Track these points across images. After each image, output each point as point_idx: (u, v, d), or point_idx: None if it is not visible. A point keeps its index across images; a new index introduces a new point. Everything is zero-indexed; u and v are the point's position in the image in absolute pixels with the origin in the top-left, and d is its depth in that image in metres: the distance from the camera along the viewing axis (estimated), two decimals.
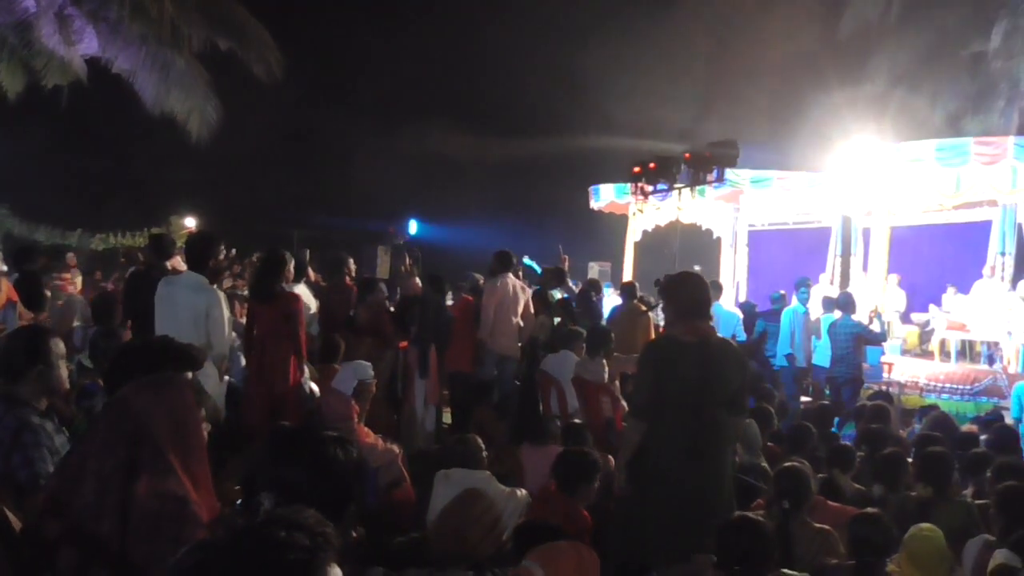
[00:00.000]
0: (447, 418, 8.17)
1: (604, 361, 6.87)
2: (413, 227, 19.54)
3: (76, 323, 8.47)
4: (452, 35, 22.81)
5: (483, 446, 4.87)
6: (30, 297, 7.88)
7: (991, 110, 18.91)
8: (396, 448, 5.49)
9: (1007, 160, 10.92)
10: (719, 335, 4.16)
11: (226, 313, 5.33)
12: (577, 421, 6.27)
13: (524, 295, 8.06)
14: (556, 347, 7.47)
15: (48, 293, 9.35)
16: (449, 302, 8.88)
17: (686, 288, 3.97)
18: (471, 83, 22.37)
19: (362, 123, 23.42)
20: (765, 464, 5.37)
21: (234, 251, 13.93)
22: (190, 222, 24.50)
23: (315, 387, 6.20)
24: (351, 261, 8.49)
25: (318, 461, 2.16)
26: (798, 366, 9.72)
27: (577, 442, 5.53)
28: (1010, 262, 13.71)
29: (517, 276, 8.49)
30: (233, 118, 16.77)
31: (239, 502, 2.20)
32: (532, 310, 8.20)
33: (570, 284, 9.50)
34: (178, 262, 7.35)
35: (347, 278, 8.17)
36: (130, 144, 22.99)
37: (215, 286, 5.37)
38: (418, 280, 9.02)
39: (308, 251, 9.29)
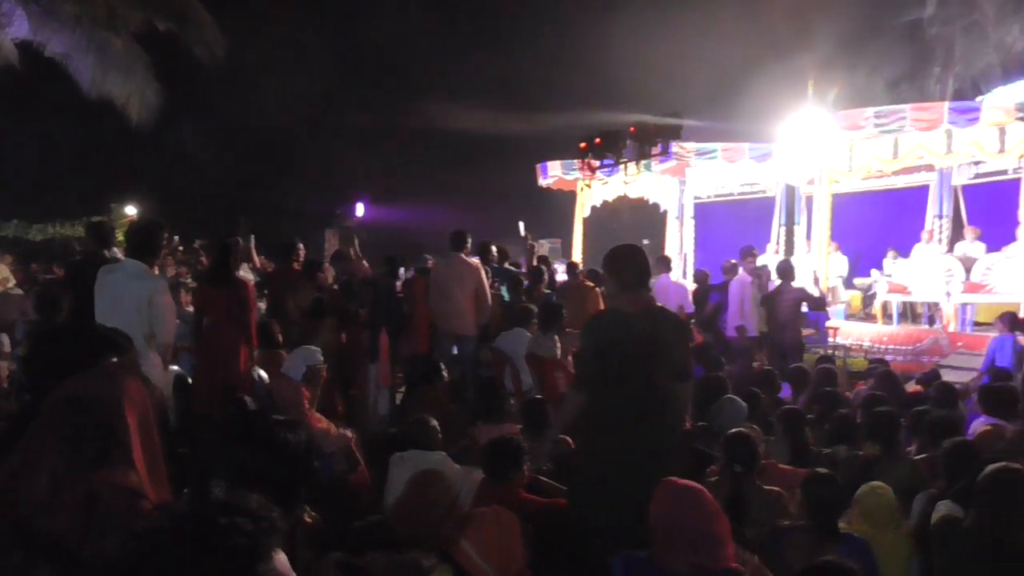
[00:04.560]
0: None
1: (556, 337, 6.90)
2: (360, 209, 19.34)
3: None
4: (396, 15, 22.51)
5: (438, 427, 4.87)
6: None
7: (927, 76, 19.34)
8: (349, 433, 5.46)
9: (942, 125, 11.19)
10: (658, 304, 4.20)
11: (170, 301, 5.23)
12: (537, 396, 6.29)
13: (474, 274, 8.01)
14: (509, 325, 7.48)
15: None
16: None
17: (627, 260, 4.00)
18: (416, 64, 22.13)
19: (308, 106, 23.04)
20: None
21: (176, 238, 13.65)
22: (131, 210, 23.95)
23: (264, 374, 6.13)
24: (301, 246, 8.38)
25: (268, 445, 2.14)
26: (749, 336, 9.82)
27: (536, 418, 5.56)
28: (947, 225, 14.10)
29: (471, 256, 8.44)
30: (175, 102, 16.39)
31: (186, 490, 2.17)
32: (487, 289, 8.16)
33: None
34: None
35: (296, 263, 8.06)
36: (68, 130, 22.32)
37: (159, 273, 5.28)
38: (365, 263, 8.95)
39: (253, 236, 9.15)
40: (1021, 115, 10.72)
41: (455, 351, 8.01)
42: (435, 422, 4.88)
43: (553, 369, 6.85)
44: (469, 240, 8.25)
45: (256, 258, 9.38)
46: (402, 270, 10.27)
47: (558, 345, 6.87)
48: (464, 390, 7.64)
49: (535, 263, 9.55)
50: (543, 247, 17.05)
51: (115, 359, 2.56)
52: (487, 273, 8.27)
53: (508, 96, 20.25)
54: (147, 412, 2.41)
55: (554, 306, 7.20)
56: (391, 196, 21.90)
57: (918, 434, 5.46)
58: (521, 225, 10.11)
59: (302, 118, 22.61)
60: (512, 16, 19.87)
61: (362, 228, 15.34)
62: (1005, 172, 12.54)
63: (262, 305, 8.62)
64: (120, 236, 8.72)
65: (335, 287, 8.47)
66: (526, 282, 8.72)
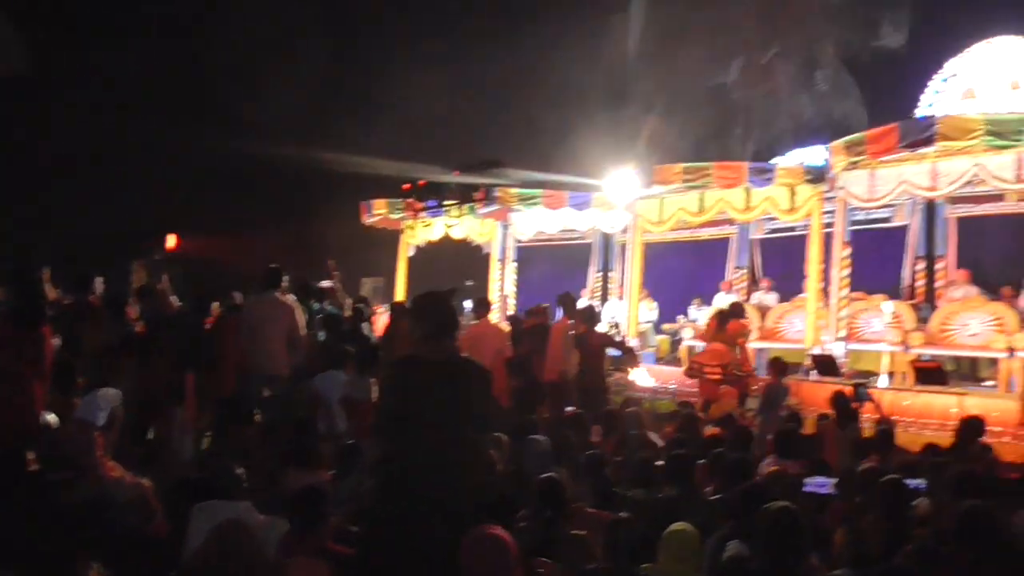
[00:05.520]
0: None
1: (373, 380, 6.82)
2: (171, 240, 18.38)
3: None
4: (213, 41, 21.69)
5: (243, 474, 4.67)
6: None
7: (730, 137, 20.92)
8: (146, 481, 5.11)
9: (743, 184, 12.12)
10: (463, 355, 4.23)
11: None
12: (351, 442, 6.17)
13: (288, 313, 7.79)
14: (324, 366, 7.32)
15: None
16: None
17: (431, 308, 4.00)
18: (235, 92, 21.35)
19: (115, 128, 21.72)
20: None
21: None
22: None
23: (53, 418, 5.67)
24: (98, 279, 7.86)
25: (39, 514, 1.96)
26: (568, 379, 9.94)
27: (353, 462, 5.45)
28: (746, 276, 15.23)
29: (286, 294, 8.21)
30: None
31: None
32: (301, 329, 7.95)
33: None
34: None
35: (92, 297, 7.55)
36: None
37: None
38: (174, 299, 8.52)
39: (47, 269, 8.50)
40: (809, 178, 11.79)
41: (266, 393, 7.73)
42: (240, 469, 4.69)
43: (369, 413, 6.75)
44: (285, 278, 8.03)
45: (50, 291, 8.71)
46: (215, 305, 9.87)
47: (374, 388, 6.79)
48: (275, 434, 7.37)
49: (350, 301, 9.43)
50: (366, 286, 16.88)
51: None
52: (304, 312, 8.08)
53: (334, 131, 19.95)
54: None
55: (371, 348, 7.13)
56: (205, 228, 20.91)
57: (715, 476, 5.77)
58: (330, 264, 9.99)
59: (108, 142, 21.28)
60: (339, 56, 19.70)
61: (172, 261, 14.57)
62: (795, 229, 13.65)
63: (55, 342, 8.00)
64: None
65: (140, 324, 8.01)
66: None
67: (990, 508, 4.01)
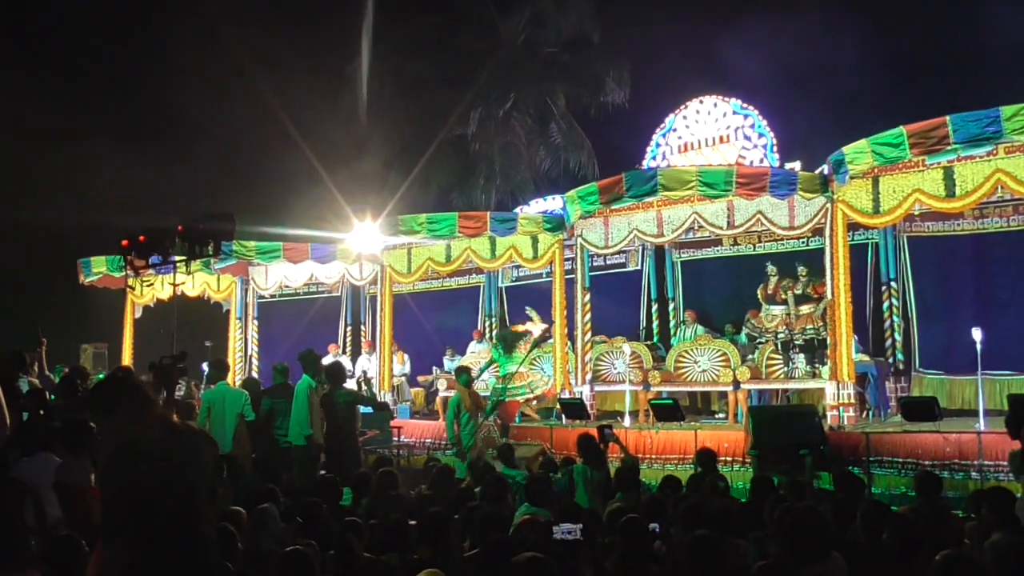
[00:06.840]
0: None
1: (89, 462, 6.01)
2: None
3: None
4: None
5: None
6: None
7: (474, 187, 21.43)
8: None
9: (486, 233, 12.32)
10: (187, 426, 3.84)
11: None
12: (66, 534, 5.36)
13: None
14: (30, 449, 6.36)
15: None
16: None
17: (128, 386, 3.65)
18: None
19: None
20: None
21: None
22: None
23: None
24: None
25: None
26: (318, 443, 9.29)
27: (64, 561, 4.71)
28: (496, 323, 15.50)
29: None
30: None
31: None
32: (3, 409, 6.89)
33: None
34: None
35: None
36: None
37: None
38: None
39: None
40: (549, 226, 12.24)
41: None
42: None
43: (85, 499, 5.93)
44: None
45: None
46: None
47: (91, 471, 5.99)
48: None
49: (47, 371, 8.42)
50: (86, 353, 15.35)
51: None
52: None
53: (46, 186, 18.08)
54: None
55: (83, 424, 6.28)
56: None
57: (470, 530, 5.61)
58: (39, 330, 8.95)
59: None
60: (51, 100, 17.85)
61: None
62: (541, 276, 14.09)
63: None
64: None
65: None
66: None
67: (715, 536, 4.16)
